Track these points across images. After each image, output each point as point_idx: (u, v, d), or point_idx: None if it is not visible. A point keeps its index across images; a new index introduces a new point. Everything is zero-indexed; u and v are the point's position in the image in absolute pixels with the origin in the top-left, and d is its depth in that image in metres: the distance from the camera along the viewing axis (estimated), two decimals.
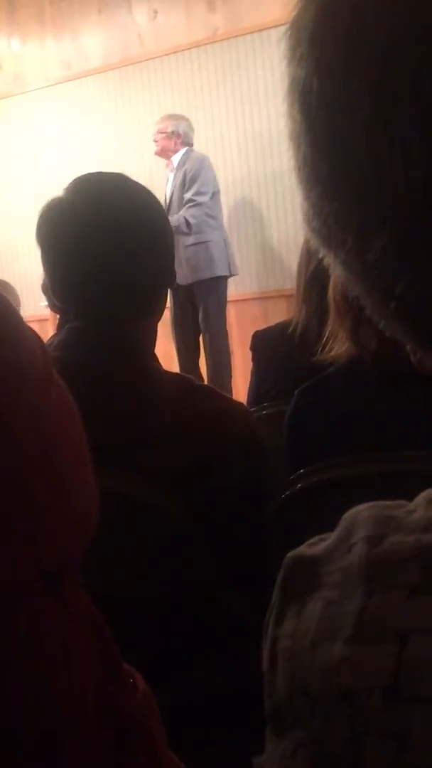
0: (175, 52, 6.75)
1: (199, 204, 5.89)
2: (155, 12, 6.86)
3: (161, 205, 1.67)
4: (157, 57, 6.84)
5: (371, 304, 0.45)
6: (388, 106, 0.39)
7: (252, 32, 6.21)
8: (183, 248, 5.86)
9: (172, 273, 1.64)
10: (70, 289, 1.57)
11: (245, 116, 6.42)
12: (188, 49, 6.69)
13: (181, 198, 5.98)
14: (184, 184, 5.97)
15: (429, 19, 0.37)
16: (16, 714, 0.58)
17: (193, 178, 5.95)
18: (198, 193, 5.91)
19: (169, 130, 6.13)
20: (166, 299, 1.65)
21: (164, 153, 6.19)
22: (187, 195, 5.92)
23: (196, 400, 1.51)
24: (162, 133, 6.15)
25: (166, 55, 6.80)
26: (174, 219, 5.81)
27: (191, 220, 5.84)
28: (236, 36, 6.42)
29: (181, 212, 5.86)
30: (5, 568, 0.58)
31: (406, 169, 0.39)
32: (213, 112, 6.59)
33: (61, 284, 1.58)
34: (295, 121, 0.45)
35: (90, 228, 1.51)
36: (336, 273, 0.46)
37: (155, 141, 6.19)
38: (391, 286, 0.42)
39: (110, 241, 1.51)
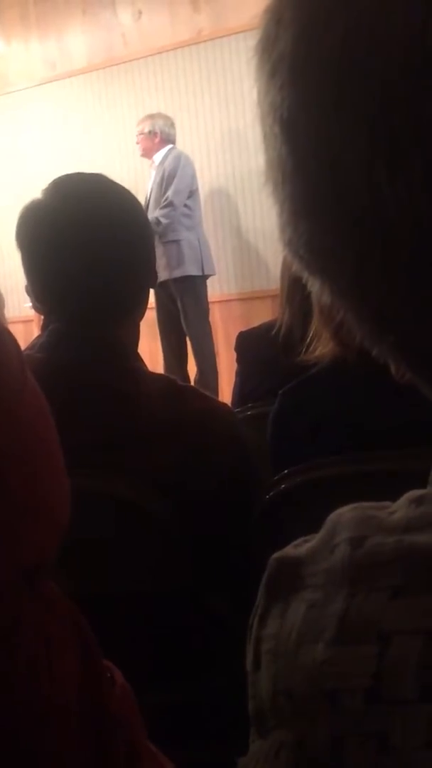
0: (159, 53, 6.76)
1: (173, 204, 5.89)
2: (140, 13, 6.85)
3: (141, 206, 1.66)
4: (142, 57, 6.84)
5: (364, 333, 0.45)
6: (388, 140, 0.38)
7: (236, 33, 6.21)
8: (157, 245, 5.85)
9: (153, 273, 1.64)
10: (50, 291, 1.56)
11: (229, 117, 6.43)
12: (173, 49, 6.70)
13: (158, 197, 5.98)
14: (162, 182, 5.97)
15: (426, 50, 0.36)
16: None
17: (170, 176, 5.95)
18: (175, 193, 5.91)
19: (146, 130, 6.14)
20: (147, 299, 1.65)
21: (147, 153, 6.20)
22: (164, 195, 5.91)
23: (180, 401, 1.51)
24: (141, 134, 6.17)
25: (150, 55, 6.80)
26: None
27: (163, 220, 5.83)
28: (220, 37, 6.43)
29: (156, 212, 5.85)
30: None
31: (410, 205, 0.38)
32: (197, 112, 6.60)
33: (41, 287, 1.57)
34: (278, 152, 0.44)
35: (68, 230, 1.51)
36: (323, 299, 0.45)
37: (137, 143, 6.21)
38: (391, 319, 0.42)
39: (89, 243, 1.50)
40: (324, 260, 0.43)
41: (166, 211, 5.87)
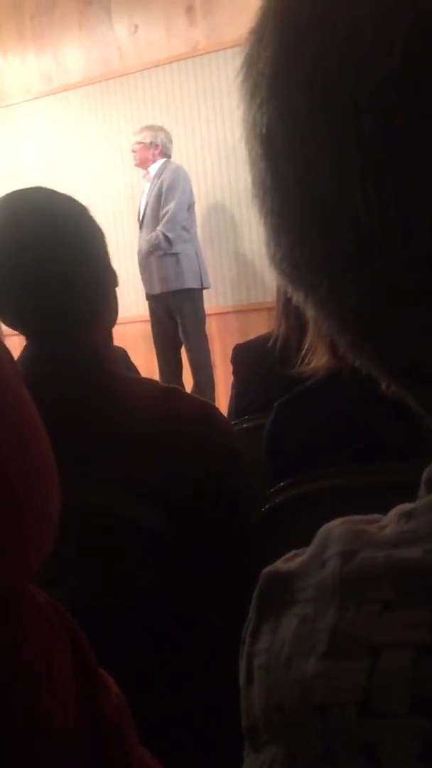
0: (155, 66, 6.78)
1: (176, 219, 5.89)
2: (136, 26, 6.88)
3: (82, 207, 1.60)
4: (138, 71, 6.86)
5: (346, 344, 0.46)
6: (359, 152, 0.39)
7: (232, 47, 6.23)
8: (154, 258, 5.88)
9: (110, 273, 1.61)
10: (11, 313, 1.55)
11: (225, 130, 6.44)
12: (168, 63, 6.72)
13: (155, 209, 5.97)
14: (160, 196, 5.96)
15: (395, 65, 0.37)
16: (1, 723, 0.57)
17: (171, 190, 5.93)
18: (177, 207, 5.91)
19: (147, 140, 6.13)
20: (114, 299, 1.62)
21: (142, 164, 6.19)
22: (165, 208, 5.91)
23: (168, 401, 1.51)
24: (140, 143, 6.15)
25: (146, 69, 6.82)
26: (152, 236, 5.82)
27: (169, 235, 5.84)
28: (216, 50, 6.45)
29: (159, 227, 5.86)
30: None
31: (381, 215, 0.39)
32: (193, 125, 6.61)
33: (4, 309, 1.56)
34: (259, 168, 0.45)
35: (13, 255, 1.49)
36: (308, 312, 0.46)
37: (134, 151, 6.19)
38: (367, 330, 0.42)
39: (37, 263, 1.48)
40: (302, 271, 0.44)
41: (170, 225, 5.87)
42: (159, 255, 5.86)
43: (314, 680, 0.43)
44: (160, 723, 1.25)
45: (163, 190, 5.96)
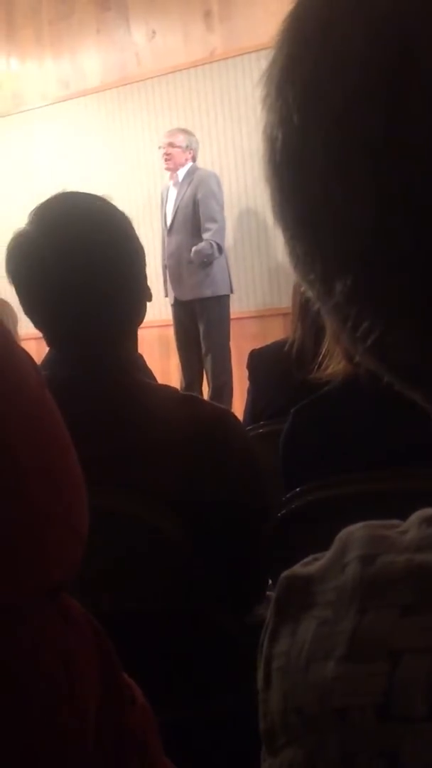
0: (173, 72, 6.79)
1: (221, 227, 5.90)
2: (153, 32, 6.90)
3: (126, 220, 1.62)
4: (155, 77, 6.87)
5: (345, 340, 0.47)
6: (342, 157, 0.40)
7: (249, 52, 6.24)
8: (185, 264, 5.87)
9: (146, 289, 1.62)
10: (45, 321, 1.56)
11: (243, 135, 6.45)
12: (186, 68, 6.73)
13: (187, 215, 5.95)
14: (193, 202, 5.94)
15: (379, 77, 0.38)
16: (15, 735, 0.57)
17: (211, 198, 5.91)
18: (220, 215, 5.93)
19: (184, 144, 6.07)
20: (145, 312, 1.63)
21: (176, 167, 6.10)
22: (212, 216, 5.89)
23: (185, 408, 1.51)
24: (177, 147, 6.06)
25: (164, 74, 6.83)
26: (203, 246, 5.79)
27: (221, 243, 5.87)
28: (234, 56, 6.46)
29: (207, 236, 5.84)
30: (11, 586, 0.57)
31: (360, 219, 0.40)
32: (211, 131, 6.62)
33: (35, 314, 1.57)
34: (266, 171, 0.47)
35: (54, 265, 1.49)
36: (316, 309, 0.48)
37: (168, 154, 6.08)
38: (355, 328, 0.43)
39: (77, 276, 1.49)
40: (302, 268, 0.45)
41: (219, 235, 5.89)
42: (190, 262, 5.85)
43: (333, 683, 0.43)
44: (174, 729, 1.25)
45: (199, 197, 5.91)
